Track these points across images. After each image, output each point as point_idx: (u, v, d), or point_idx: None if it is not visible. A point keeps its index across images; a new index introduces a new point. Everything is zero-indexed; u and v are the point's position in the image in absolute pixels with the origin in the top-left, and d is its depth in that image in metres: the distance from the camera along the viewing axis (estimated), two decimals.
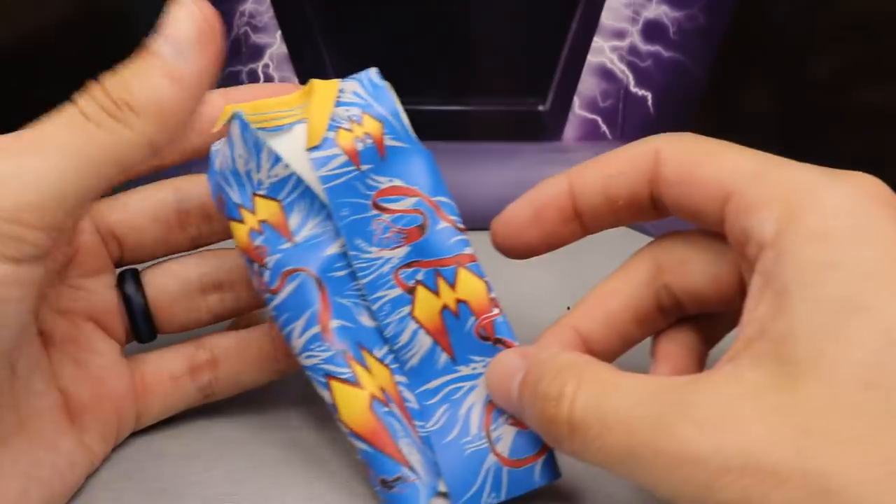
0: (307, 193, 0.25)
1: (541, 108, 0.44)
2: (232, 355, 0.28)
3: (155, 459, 0.27)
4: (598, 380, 0.20)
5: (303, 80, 0.42)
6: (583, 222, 0.25)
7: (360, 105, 0.25)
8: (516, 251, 0.26)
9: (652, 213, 0.24)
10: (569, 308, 0.39)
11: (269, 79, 0.42)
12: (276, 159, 0.24)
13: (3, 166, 0.19)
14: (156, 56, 0.21)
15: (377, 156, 0.25)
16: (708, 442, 0.17)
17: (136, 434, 0.28)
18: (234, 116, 0.24)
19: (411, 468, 0.23)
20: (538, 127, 0.44)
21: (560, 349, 0.23)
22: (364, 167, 0.25)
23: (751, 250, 0.20)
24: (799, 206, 0.19)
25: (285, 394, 0.30)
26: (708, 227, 0.23)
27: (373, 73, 0.26)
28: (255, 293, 0.29)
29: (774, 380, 0.18)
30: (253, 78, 0.42)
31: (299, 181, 0.24)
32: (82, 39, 0.40)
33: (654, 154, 0.23)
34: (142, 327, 0.28)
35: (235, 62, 0.41)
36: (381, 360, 0.24)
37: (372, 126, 0.25)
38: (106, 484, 0.26)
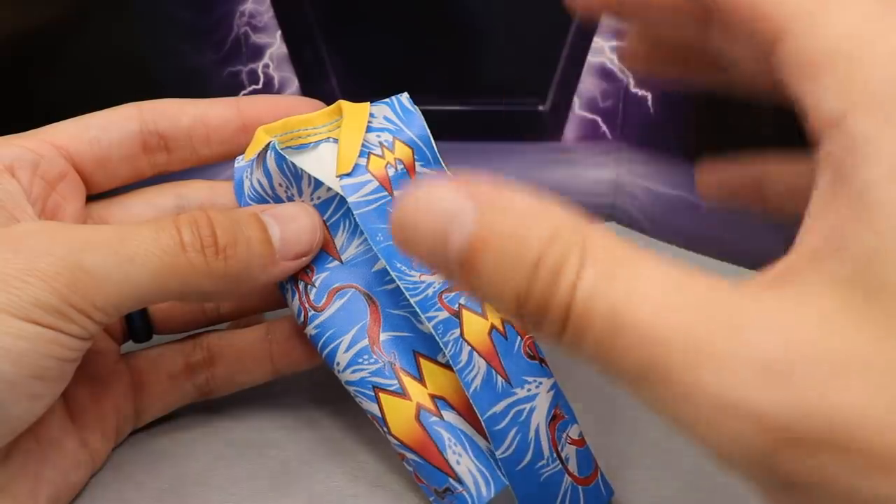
0: (350, 213, 0.25)
1: (541, 108, 0.44)
2: (228, 355, 0.28)
3: (156, 459, 0.27)
4: (609, 257, 0.14)
5: (303, 80, 0.42)
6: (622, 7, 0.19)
7: (391, 130, 0.26)
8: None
9: (693, 33, 0.17)
10: None
11: (269, 79, 0.42)
12: (318, 183, 0.25)
13: (109, 263, 0.21)
14: (268, 242, 0.24)
15: (409, 182, 0.25)
16: (770, 392, 0.12)
17: (137, 434, 0.28)
18: (270, 148, 0.24)
19: (458, 479, 0.23)
20: (538, 127, 0.44)
21: (530, 191, 0.15)
22: (397, 193, 0.25)
23: (810, 124, 0.15)
24: (877, 65, 0.13)
25: (286, 395, 0.30)
26: (751, 84, 0.18)
27: (404, 98, 0.27)
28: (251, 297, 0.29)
29: (861, 316, 0.12)
30: (253, 78, 0.42)
31: (342, 202, 0.25)
32: (80, 39, 0.40)
33: None
34: (139, 327, 0.28)
35: (235, 62, 0.41)
36: (447, 365, 0.24)
37: (403, 152, 0.25)
38: (107, 484, 0.26)
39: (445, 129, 0.44)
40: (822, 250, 0.14)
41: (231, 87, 0.41)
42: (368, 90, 0.27)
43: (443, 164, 0.26)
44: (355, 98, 0.27)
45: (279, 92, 0.42)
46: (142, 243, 0.22)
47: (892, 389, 0.12)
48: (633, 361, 0.13)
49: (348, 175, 0.24)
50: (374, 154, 0.25)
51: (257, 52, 0.41)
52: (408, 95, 0.27)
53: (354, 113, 0.26)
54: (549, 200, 0.14)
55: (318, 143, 0.26)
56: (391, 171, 0.25)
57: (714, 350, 0.13)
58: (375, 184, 0.25)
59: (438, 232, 0.14)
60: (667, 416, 0.14)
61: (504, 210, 0.14)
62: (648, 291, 0.13)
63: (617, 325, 0.13)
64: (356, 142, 0.25)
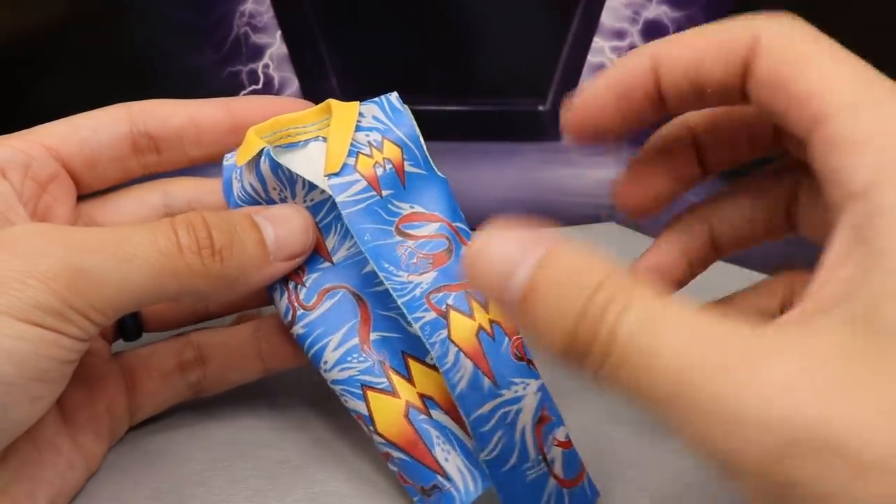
0: (342, 215, 0.24)
1: (541, 108, 0.44)
2: (219, 353, 0.28)
3: (155, 459, 0.27)
4: (647, 304, 0.16)
5: (303, 81, 0.42)
6: (665, 104, 0.22)
7: (380, 130, 0.25)
8: (589, 136, 0.23)
9: (741, 102, 0.21)
10: None
11: (269, 79, 0.42)
12: (312, 186, 0.24)
13: (107, 265, 0.21)
14: (263, 243, 0.24)
15: (398, 182, 0.25)
16: (781, 406, 0.14)
17: (135, 434, 0.28)
18: (264, 154, 0.24)
19: (446, 476, 0.23)
20: (538, 127, 0.44)
21: (584, 246, 0.18)
22: (385, 193, 0.25)
23: (836, 193, 0.17)
24: None
25: (284, 395, 0.30)
26: (792, 139, 0.21)
27: (393, 97, 0.26)
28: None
29: (865, 348, 0.15)
30: (253, 78, 0.42)
31: (335, 204, 0.24)
32: (80, 39, 0.40)
33: (752, 42, 0.20)
34: (129, 325, 0.28)
35: (235, 62, 0.41)
36: (434, 366, 0.24)
37: (392, 152, 0.25)
38: (106, 484, 0.26)
39: (445, 129, 0.44)
40: (835, 296, 0.16)
41: (231, 88, 0.42)
42: (368, 90, 0.27)
43: (432, 164, 0.26)
44: (355, 98, 0.27)
45: (279, 92, 0.42)
46: (139, 245, 0.22)
47: (881, 407, 0.14)
48: (665, 386, 0.15)
49: (336, 174, 0.24)
50: (363, 153, 0.25)
51: (257, 52, 0.41)
52: (397, 95, 0.26)
53: (343, 112, 0.25)
54: (597, 254, 0.17)
55: (307, 141, 0.26)
56: (379, 171, 0.25)
57: (737, 373, 0.15)
58: (364, 183, 0.25)
59: (502, 276, 0.17)
60: (688, 431, 0.15)
61: (558, 261, 0.17)
62: (681, 330, 0.16)
63: (653, 356, 0.16)
64: (345, 141, 0.25)
